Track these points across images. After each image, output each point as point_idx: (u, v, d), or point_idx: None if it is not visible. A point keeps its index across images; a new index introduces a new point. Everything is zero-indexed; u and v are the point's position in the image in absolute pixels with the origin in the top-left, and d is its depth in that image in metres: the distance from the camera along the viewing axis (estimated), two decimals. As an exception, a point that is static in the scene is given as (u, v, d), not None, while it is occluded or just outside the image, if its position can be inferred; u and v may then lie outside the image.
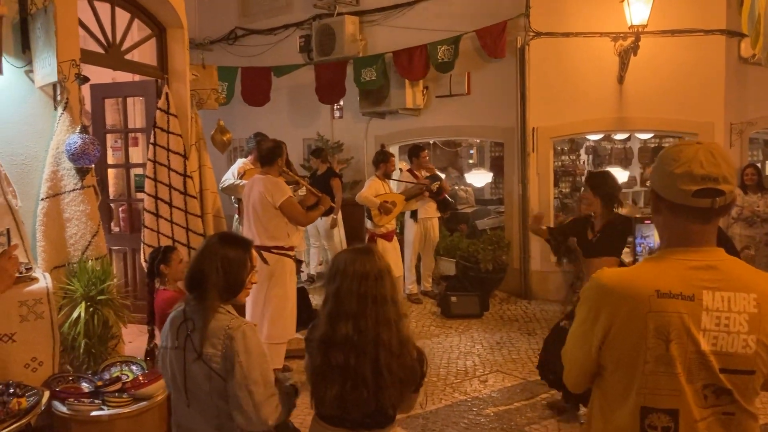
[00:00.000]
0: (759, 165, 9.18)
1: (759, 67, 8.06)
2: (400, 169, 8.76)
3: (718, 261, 1.76)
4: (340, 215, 8.51)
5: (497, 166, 11.66)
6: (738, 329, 1.70)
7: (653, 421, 1.73)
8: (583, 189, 5.26)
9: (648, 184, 1.99)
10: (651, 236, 3.49)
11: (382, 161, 7.47)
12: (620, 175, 10.70)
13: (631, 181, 11.96)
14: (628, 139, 11.97)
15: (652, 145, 12.27)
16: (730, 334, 1.70)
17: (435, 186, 7.79)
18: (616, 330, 1.75)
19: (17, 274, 3.92)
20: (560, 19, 8.05)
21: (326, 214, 7.90)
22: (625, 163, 12.04)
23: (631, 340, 1.74)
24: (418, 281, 8.43)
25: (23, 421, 3.51)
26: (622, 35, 7.77)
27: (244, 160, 7.07)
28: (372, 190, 7.23)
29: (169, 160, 5.67)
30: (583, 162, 12.41)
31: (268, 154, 5.48)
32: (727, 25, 7.80)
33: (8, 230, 3.89)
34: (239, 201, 6.69)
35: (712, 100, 7.90)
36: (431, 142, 10.75)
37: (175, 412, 2.53)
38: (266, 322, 5.35)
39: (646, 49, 7.54)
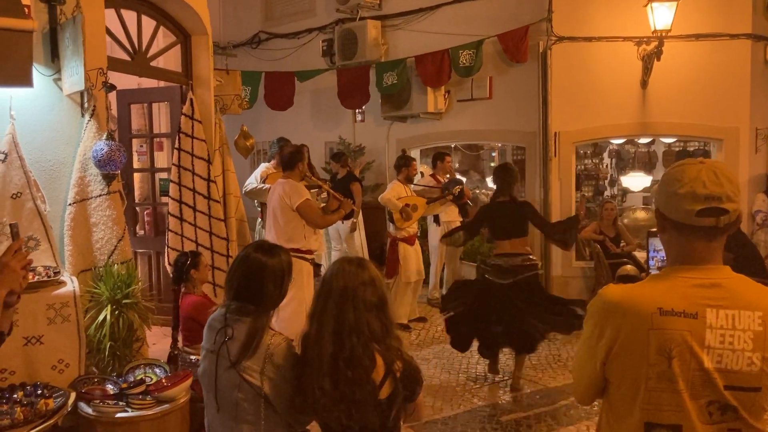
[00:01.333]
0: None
1: (785, 71, 7.98)
2: (422, 173, 8.80)
3: (722, 279, 1.78)
4: (360, 219, 8.56)
5: (519, 170, 11.62)
6: (743, 347, 1.72)
7: None
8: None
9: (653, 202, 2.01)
10: (663, 250, 3.49)
11: (404, 165, 7.52)
12: (642, 179, 10.63)
13: (654, 185, 11.85)
14: (652, 142, 11.86)
15: (677, 149, 12.15)
16: (735, 351, 1.72)
17: (456, 190, 7.82)
18: (619, 346, 1.78)
19: (45, 277, 4.05)
20: (583, 23, 8.02)
21: (346, 218, 7.99)
22: (648, 167, 11.94)
23: (633, 356, 1.76)
24: (441, 285, 8.46)
25: (50, 421, 3.63)
26: (645, 39, 7.72)
27: (267, 164, 7.16)
28: (394, 192, 7.28)
29: (193, 165, 5.78)
30: (606, 165, 12.34)
31: (289, 158, 5.63)
32: (753, 29, 7.71)
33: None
34: (262, 205, 6.79)
35: (737, 104, 7.82)
36: (452, 145, 10.76)
37: (207, 413, 2.60)
38: (282, 324, 5.42)
39: (669, 53, 7.49)
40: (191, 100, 5.78)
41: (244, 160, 8.41)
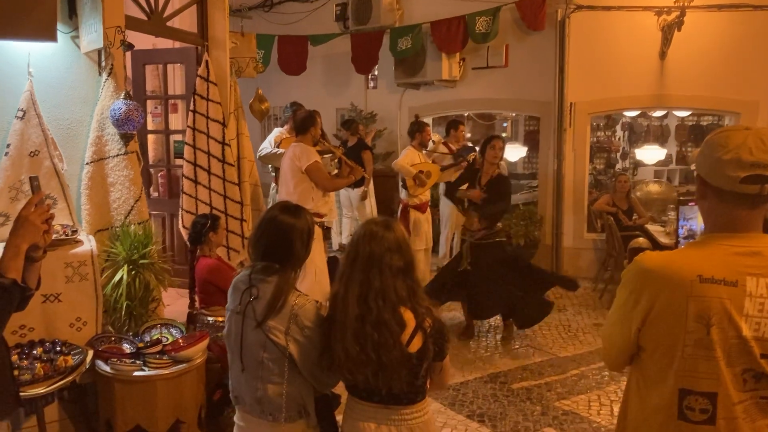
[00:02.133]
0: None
1: (808, 44, 7.85)
2: (433, 141, 8.73)
3: (763, 247, 1.75)
4: (371, 187, 8.54)
5: (531, 140, 11.57)
6: (781, 316, 1.71)
7: (691, 403, 1.75)
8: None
9: (693, 168, 1.98)
10: (694, 218, 3.47)
11: (418, 131, 7.46)
12: (657, 152, 10.55)
13: (668, 159, 11.77)
14: (665, 116, 11.74)
15: (690, 123, 12.04)
16: (773, 320, 1.71)
17: (471, 157, 7.76)
18: (656, 313, 1.77)
19: (63, 236, 4.06)
20: (602, -9, 7.89)
21: (357, 185, 7.97)
22: (661, 141, 11.84)
23: (671, 324, 1.75)
24: (451, 255, 8.45)
25: (69, 378, 3.67)
26: (666, 9, 7.59)
27: (280, 129, 7.13)
28: (408, 159, 7.24)
29: (208, 128, 5.74)
30: (619, 138, 12.24)
31: (301, 123, 5.71)
32: (777, 1, 7.57)
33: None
34: (276, 170, 6.77)
35: (758, 78, 7.71)
36: (466, 114, 10.68)
37: (231, 374, 2.62)
38: (301, 282, 5.46)
39: (690, 24, 7.37)
40: (207, 61, 5.72)
41: (257, 124, 8.35)
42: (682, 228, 3.21)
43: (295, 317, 2.42)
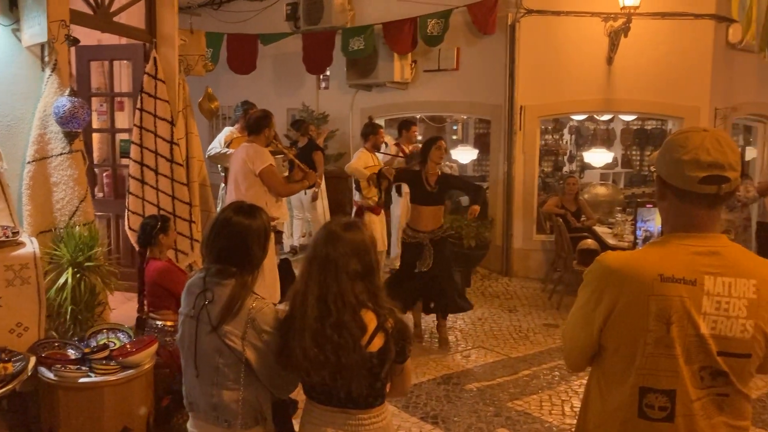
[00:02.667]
0: (740, 150, 9.29)
1: (745, 53, 8.16)
2: (385, 144, 8.72)
3: (721, 247, 1.79)
4: (323, 188, 8.48)
5: (481, 143, 11.68)
6: (737, 314, 1.74)
7: (651, 401, 1.77)
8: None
9: (652, 169, 2.02)
10: (651, 220, 3.54)
11: (371, 133, 7.43)
12: (603, 156, 10.79)
13: (614, 162, 12.06)
14: (612, 120, 12.04)
15: (635, 127, 12.38)
16: (729, 318, 1.74)
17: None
18: (618, 312, 1.79)
19: (3, 238, 3.88)
20: (552, -3, 8.03)
21: (308, 187, 7.88)
22: (607, 144, 12.13)
23: (632, 322, 1.77)
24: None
25: (9, 386, 3.50)
26: (612, 16, 7.77)
27: (231, 128, 7.01)
28: (361, 161, 7.20)
29: (155, 127, 5.58)
30: (567, 142, 12.49)
31: (256, 123, 5.55)
32: (717, 10, 7.84)
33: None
34: (226, 170, 6.65)
35: (698, 84, 7.97)
36: (417, 116, 10.71)
37: (185, 380, 2.53)
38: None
39: (636, 31, 7.57)
40: (155, 59, 5.56)
41: (206, 123, 8.20)
42: (640, 230, 3.27)
43: (252, 321, 2.36)
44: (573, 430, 2.15)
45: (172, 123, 5.66)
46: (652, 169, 2.18)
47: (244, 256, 2.44)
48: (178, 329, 2.55)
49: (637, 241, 3.16)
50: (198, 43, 6.67)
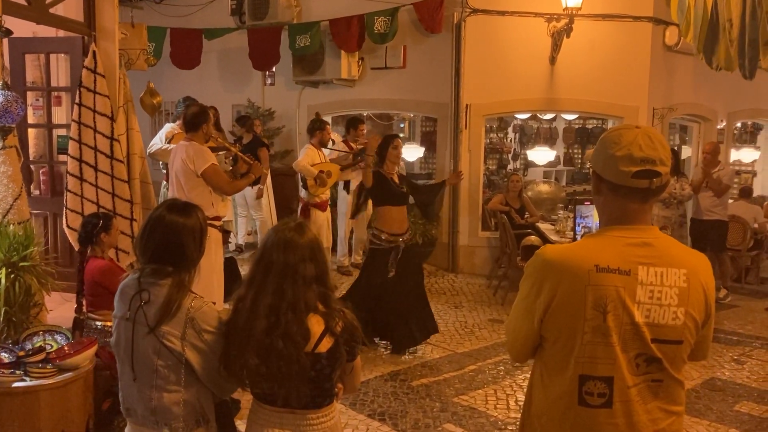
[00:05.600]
0: (676, 149, 9.63)
1: (681, 55, 8.45)
2: (333, 141, 8.70)
3: (653, 238, 1.86)
4: (268, 185, 8.39)
5: (427, 141, 11.77)
6: (669, 302, 1.81)
7: (590, 388, 1.83)
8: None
9: (588, 166, 2.08)
10: (590, 216, 3.64)
11: (318, 129, 7.40)
12: (546, 154, 11.03)
13: (556, 160, 12.32)
14: (554, 119, 12.29)
15: (576, 126, 12.67)
16: (662, 306, 1.81)
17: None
18: (557, 302, 1.83)
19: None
20: (497, -4, 8.14)
21: (253, 183, 7.80)
22: (550, 143, 12.38)
23: (571, 312, 1.82)
24: (350, 253, 8.45)
25: (-62, 391, 3.35)
26: (555, 16, 7.93)
27: (172, 124, 6.88)
28: (308, 158, 7.16)
29: (95, 122, 5.45)
30: (510, 140, 12.70)
31: (192, 119, 5.32)
32: (654, 13, 8.09)
33: None
34: (167, 166, 6.52)
35: (637, 85, 8.21)
36: (365, 114, 10.71)
37: (122, 385, 2.46)
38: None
39: (578, 31, 7.73)
40: (94, 52, 5.42)
41: (148, 119, 8.01)
42: (579, 226, 3.36)
43: (192, 321, 2.31)
44: (518, 423, 2.19)
45: (112, 118, 5.53)
46: (588, 165, 2.25)
47: (180, 254, 2.39)
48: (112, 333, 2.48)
49: (577, 236, 3.25)
50: (139, 37, 6.52)
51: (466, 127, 8.40)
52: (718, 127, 10.03)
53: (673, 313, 1.81)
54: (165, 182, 6.90)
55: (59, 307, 5.22)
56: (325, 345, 2.25)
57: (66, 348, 3.82)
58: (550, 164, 11.88)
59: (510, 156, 12.53)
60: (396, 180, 5.77)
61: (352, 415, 4.63)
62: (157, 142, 6.48)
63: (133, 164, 6.04)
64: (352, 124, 8.13)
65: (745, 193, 9.73)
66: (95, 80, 5.42)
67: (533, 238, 7.45)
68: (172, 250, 2.39)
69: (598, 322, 1.79)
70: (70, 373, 3.70)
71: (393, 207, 5.72)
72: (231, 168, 5.92)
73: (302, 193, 7.35)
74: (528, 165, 12.04)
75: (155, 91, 6.85)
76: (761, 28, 4.27)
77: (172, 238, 2.39)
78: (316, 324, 2.26)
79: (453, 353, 5.92)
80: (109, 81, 5.58)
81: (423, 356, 5.82)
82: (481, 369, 5.55)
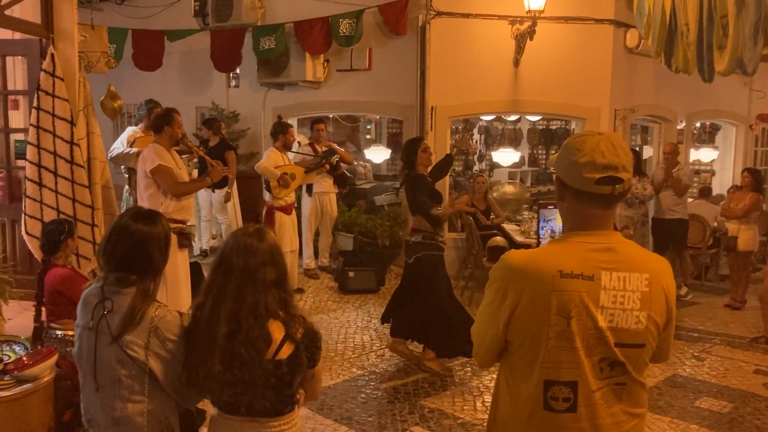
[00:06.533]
0: (637, 149, 9.80)
1: (642, 57, 8.60)
2: (299, 143, 8.65)
3: (615, 243, 1.88)
4: (235, 188, 8.32)
5: (394, 143, 11.79)
6: (632, 306, 1.84)
7: (555, 393, 1.84)
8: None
9: (552, 170, 2.10)
10: (553, 220, 3.69)
11: (281, 132, 7.34)
12: (511, 155, 11.13)
13: (521, 161, 12.44)
14: (519, 120, 12.41)
15: (541, 127, 12.81)
16: (625, 311, 1.83)
17: (334, 159, 7.77)
18: (522, 308, 1.84)
19: None
20: (461, -1, 8.18)
21: (220, 187, 7.72)
22: (515, 144, 12.50)
23: (535, 317, 1.83)
24: (316, 256, 8.42)
25: None
26: (519, 19, 8.00)
27: (134, 128, 6.78)
28: (271, 161, 7.11)
29: (54, 126, 5.33)
30: (476, 141, 12.78)
31: (155, 122, 5.48)
32: (616, 16, 8.22)
33: None
34: (130, 171, 6.42)
35: (599, 86, 8.33)
36: (331, 116, 10.69)
37: (84, 396, 2.42)
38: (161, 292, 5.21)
39: (541, 34, 7.81)
40: (52, 55, 5.30)
41: (110, 123, 7.87)
42: (543, 229, 3.40)
43: (156, 330, 2.28)
44: (485, 425, 2.20)
45: (72, 122, 5.42)
46: (552, 170, 2.27)
47: (146, 263, 2.38)
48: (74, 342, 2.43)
49: (541, 240, 3.29)
50: (100, 39, 6.40)
51: (431, 129, 8.42)
52: (678, 127, 10.24)
53: (636, 317, 1.84)
54: (127, 186, 6.79)
55: (18, 316, 5.09)
56: (286, 351, 2.25)
57: (25, 358, 3.73)
58: (515, 165, 12.00)
59: (476, 157, 12.62)
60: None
61: (319, 420, 4.60)
62: (119, 146, 6.37)
63: (94, 169, 5.92)
64: (311, 125, 8.16)
65: (705, 192, 9.96)
66: (54, 83, 5.30)
67: (499, 239, 7.52)
68: (139, 259, 2.38)
69: (562, 327, 1.80)
70: (29, 384, 3.62)
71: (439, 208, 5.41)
72: (194, 171, 5.87)
73: (266, 196, 7.29)
74: (493, 166, 12.13)
75: (116, 94, 6.74)
76: (716, 33, 4.37)
77: (139, 247, 2.37)
78: (276, 330, 2.26)
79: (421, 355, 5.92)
80: (69, 84, 5.46)
81: (391, 359, 5.82)
82: (449, 370, 5.56)
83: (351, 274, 7.78)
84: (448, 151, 8.66)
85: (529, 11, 7.57)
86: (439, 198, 5.51)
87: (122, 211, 6.60)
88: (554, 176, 1.99)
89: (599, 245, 1.86)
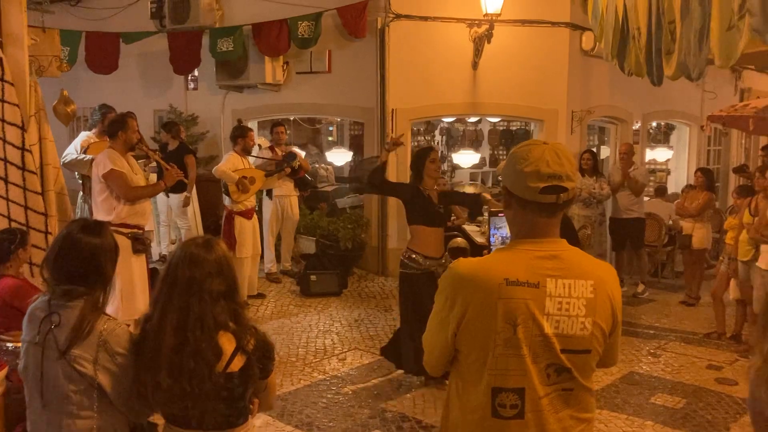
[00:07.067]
0: (595, 150, 9.96)
1: (597, 59, 8.73)
2: (259, 146, 8.60)
3: (560, 251, 1.91)
4: (194, 192, 8.23)
5: (356, 145, 11.78)
6: (577, 313, 1.87)
7: (503, 400, 1.86)
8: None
9: (500, 179, 2.13)
10: (504, 227, 3.67)
11: (240, 136, 7.28)
12: (472, 156, 11.21)
13: (481, 162, 12.54)
14: (479, 121, 12.51)
15: (501, 128, 12.93)
16: (570, 317, 1.86)
17: (295, 164, 7.74)
18: (470, 316, 1.86)
19: None
20: (420, 2, 8.21)
21: (176, 191, 7.62)
22: (476, 145, 12.60)
23: (483, 325, 1.85)
24: (278, 260, 8.37)
25: None
26: (477, 22, 8.07)
27: (88, 133, 6.68)
28: (230, 164, 7.05)
29: (4, 132, 5.18)
30: (438, 142, 12.85)
31: (110, 127, 5.44)
32: (571, 19, 8.35)
33: None
34: (84, 177, 6.31)
35: (556, 88, 8.45)
36: (291, 118, 10.64)
37: (30, 413, 2.36)
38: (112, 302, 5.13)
39: (499, 37, 7.90)
40: (1, 59, 5.16)
41: (64, 128, 7.71)
42: (493, 236, 3.45)
43: (105, 344, 2.25)
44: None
45: (23, 128, 5.28)
46: (500, 179, 2.28)
47: (96, 275, 2.35)
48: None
49: (491, 247, 3.32)
50: (51, 43, 6.27)
51: (392, 132, 8.43)
52: (634, 128, 10.44)
53: (581, 323, 1.87)
54: (81, 192, 6.67)
55: (-33, 328, 4.95)
56: (237, 364, 2.24)
57: (-28, 372, 3.63)
58: (476, 166, 12.09)
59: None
60: (435, 198, 5.15)
61: (280, 427, 4.58)
62: (72, 152, 6.26)
63: (47, 175, 5.78)
64: (272, 128, 8.12)
65: (660, 191, 10.18)
66: (3, 88, 5.16)
67: (460, 240, 7.56)
68: (90, 272, 2.35)
69: (508, 334, 1.83)
70: (-21, 399, 3.52)
71: (427, 228, 5.10)
72: (151, 176, 5.81)
73: (226, 200, 7.22)
74: (455, 167, 12.21)
75: (69, 99, 6.60)
76: (664, 38, 4.48)
77: (91, 259, 2.35)
78: (227, 342, 2.24)
79: (382, 358, 5.92)
80: (19, 89, 5.32)
81: (352, 363, 5.82)
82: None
83: (313, 277, 7.76)
84: (409, 154, 8.70)
85: (487, 14, 7.64)
86: (432, 218, 5.13)
87: (72, 221, 6.50)
88: (501, 185, 2.02)
89: (544, 253, 1.89)
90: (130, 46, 9.00)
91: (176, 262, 2.27)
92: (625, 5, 5.43)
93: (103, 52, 8.82)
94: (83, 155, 6.12)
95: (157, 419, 2.48)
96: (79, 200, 6.78)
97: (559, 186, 1.85)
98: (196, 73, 9.62)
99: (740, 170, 9.62)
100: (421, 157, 5.22)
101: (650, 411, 4.98)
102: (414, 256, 5.14)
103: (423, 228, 5.12)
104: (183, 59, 8.88)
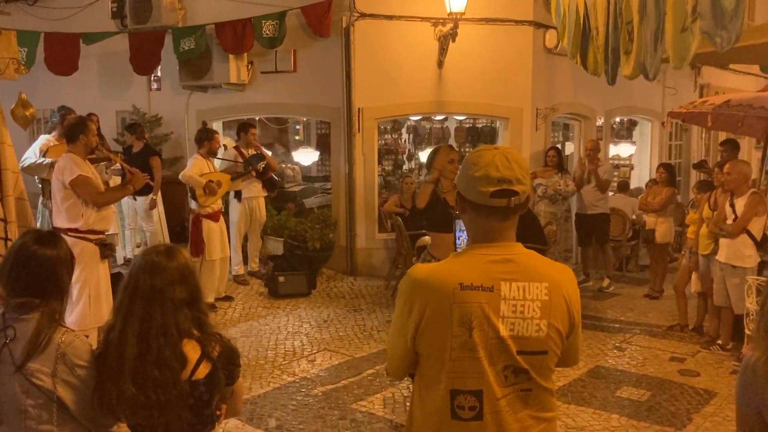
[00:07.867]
0: (559, 147, 10.07)
1: (561, 57, 8.84)
2: (225, 146, 8.53)
3: (515, 254, 1.94)
4: (159, 195, 8.13)
5: (324, 144, 11.75)
6: (532, 315, 1.89)
7: (461, 402, 1.89)
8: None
9: (455, 183, 2.15)
10: (468, 230, 3.68)
11: (205, 139, 7.22)
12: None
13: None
14: (446, 119, 12.56)
15: (467, 126, 13.00)
16: (525, 319, 1.89)
17: (261, 166, 7.70)
18: (426, 320, 1.88)
19: None
20: (384, 1, 8.21)
21: (143, 194, 7.53)
22: (442, 142, 12.64)
23: (439, 329, 1.87)
24: (245, 261, 8.32)
25: None
26: (441, 21, 8.10)
27: (47, 136, 6.56)
28: (196, 168, 6.98)
29: (-42, 137, 5.08)
30: (405, 141, 12.88)
31: (68, 131, 5.30)
32: (535, 17, 8.43)
33: None
34: (44, 182, 6.20)
35: (520, 86, 8.53)
36: (257, 118, 10.58)
37: None
38: (74, 308, 5.05)
39: (464, 36, 7.94)
40: (-46, 62, 5.05)
41: (23, 131, 7.56)
42: (459, 239, 3.47)
43: (63, 356, 2.21)
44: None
45: (-22, 133, 5.17)
46: (455, 184, 2.25)
47: (53, 286, 2.32)
48: None
49: (458, 249, 3.31)
50: (8, 44, 6.10)
51: (359, 131, 8.44)
52: (597, 124, 10.58)
53: (536, 325, 1.89)
54: (42, 197, 6.55)
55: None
56: (203, 371, 2.22)
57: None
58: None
59: (405, 157, 12.71)
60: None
61: (249, 431, 4.55)
62: (31, 156, 6.14)
63: (5, 180, 5.65)
64: (243, 128, 8.03)
65: (623, 186, 10.35)
66: (-43, 92, 5.06)
67: (427, 239, 7.59)
68: (46, 283, 2.31)
69: (464, 338, 1.85)
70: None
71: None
72: (111, 179, 5.73)
73: (192, 204, 7.15)
74: (422, 165, 12.24)
75: (28, 102, 6.46)
76: (622, 38, 4.55)
77: (48, 271, 2.32)
78: (191, 350, 2.23)
79: (352, 358, 5.94)
80: (-26, 93, 5.22)
81: (322, 364, 5.81)
82: (379, 373, 5.59)
83: (281, 278, 7.73)
84: (376, 153, 8.71)
85: (451, 13, 7.67)
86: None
87: (37, 222, 6.37)
88: (456, 190, 2.04)
89: (498, 257, 1.91)
90: (90, 47, 8.85)
91: (137, 270, 2.25)
92: (585, 4, 5.51)
93: (63, 53, 8.66)
94: (42, 159, 6.01)
95: (123, 430, 2.45)
96: (40, 205, 6.66)
97: (509, 190, 1.87)
98: (159, 73, 9.50)
99: (700, 166, 9.81)
100: (438, 155, 4.88)
101: (616, 404, 5.06)
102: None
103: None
104: (144, 59, 8.76)
